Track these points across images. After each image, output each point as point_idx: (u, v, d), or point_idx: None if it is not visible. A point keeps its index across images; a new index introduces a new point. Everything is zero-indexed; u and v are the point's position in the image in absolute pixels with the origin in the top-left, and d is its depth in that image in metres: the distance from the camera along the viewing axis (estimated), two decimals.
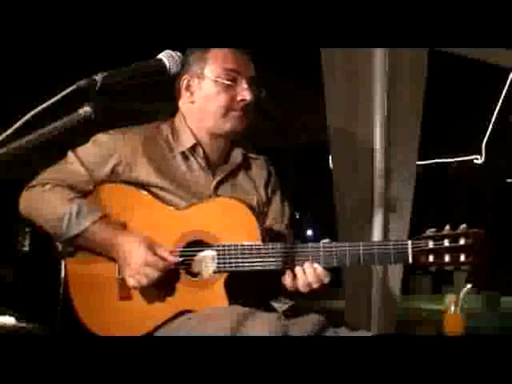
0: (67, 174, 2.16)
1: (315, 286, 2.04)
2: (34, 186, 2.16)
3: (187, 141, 2.21)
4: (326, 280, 2.04)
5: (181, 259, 2.08)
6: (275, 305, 2.17)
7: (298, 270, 2.04)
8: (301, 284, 2.04)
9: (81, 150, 2.19)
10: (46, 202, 2.12)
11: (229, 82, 2.16)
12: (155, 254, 2.05)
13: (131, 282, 2.06)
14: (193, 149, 2.21)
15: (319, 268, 2.03)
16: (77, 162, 2.16)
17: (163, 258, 2.06)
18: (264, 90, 2.22)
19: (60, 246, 2.15)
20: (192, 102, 2.22)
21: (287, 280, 2.06)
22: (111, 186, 2.17)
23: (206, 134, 2.23)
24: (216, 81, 2.17)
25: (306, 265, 2.03)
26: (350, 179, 3.32)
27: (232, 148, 2.27)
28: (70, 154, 2.19)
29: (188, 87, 2.22)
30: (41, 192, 2.13)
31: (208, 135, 2.23)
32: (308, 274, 2.03)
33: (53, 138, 1.46)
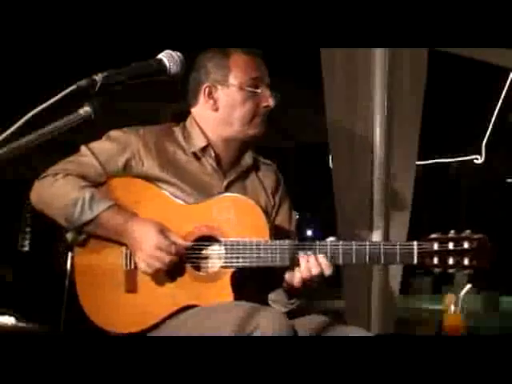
0: (80, 165, 2.17)
1: (315, 272, 2.04)
2: (45, 177, 2.17)
3: (199, 142, 2.23)
4: (328, 271, 2.05)
5: (190, 244, 2.10)
6: (275, 307, 2.17)
7: (301, 258, 2.05)
8: (303, 272, 2.05)
9: (94, 144, 2.21)
10: (58, 189, 2.13)
11: (254, 90, 2.20)
12: (167, 238, 2.07)
13: (143, 266, 2.08)
14: (204, 150, 2.23)
15: (322, 258, 2.05)
16: (90, 155, 2.18)
17: (175, 243, 2.07)
18: (279, 94, 2.26)
19: (70, 237, 2.16)
20: (216, 110, 2.23)
21: (290, 273, 2.08)
22: (121, 179, 2.18)
23: (220, 138, 2.24)
24: (241, 88, 2.19)
25: (309, 253, 2.05)
26: (350, 179, 3.32)
27: (243, 151, 2.29)
28: (83, 147, 2.21)
29: (210, 94, 2.23)
30: (53, 181, 2.14)
31: (222, 140, 2.25)
32: (310, 262, 2.05)
33: (53, 138, 1.46)
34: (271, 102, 2.23)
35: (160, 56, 1.66)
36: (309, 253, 2.05)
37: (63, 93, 1.47)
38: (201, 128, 2.25)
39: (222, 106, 2.22)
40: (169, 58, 1.65)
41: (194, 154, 2.23)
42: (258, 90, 2.21)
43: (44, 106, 1.45)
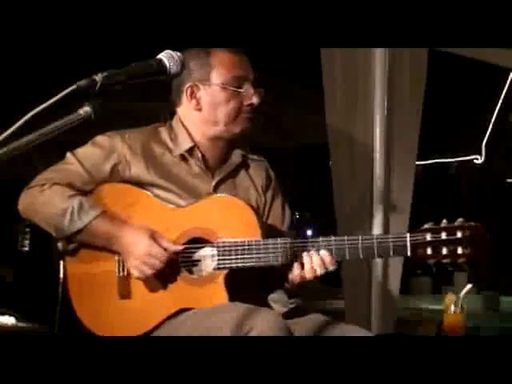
0: (66, 174, 2.15)
1: (319, 271, 2.03)
2: (31, 187, 2.15)
3: (185, 143, 2.20)
4: (332, 267, 2.04)
5: (182, 247, 2.08)
6: (275, 306, 2.17)
7: (305, 256, 2.04)
8: (307, 271, 2.03)
9: (80, 151, 2.19)
10: (45, 199, 2.11)
11: (237, 89, 2.16)
12: (158, 244, 2.07)
13: (135, 272, 2.07)
14: (190, 151, 2.20)
15: (325, 254, 2.03)
16: (76, 163, 2.16)
17: (165, 248, 2.07)
18: (263, 89, 2.21)
19: (61, 246, 2.15)
20: (199, 110, 2.20)
21: (294, 271, 2.05)
22: (111, 185, 2.17)
23: (206, 137, 2.22)
24: (224, 87, 2.16)
25: (312, 252, 2.03)
26: (350, 179, 3.32)
27: (231, 149, 2.26)
28: (68, 155, 2.18)
29: (193, 94, 2.19)
30: (39, 191, 2.13)
31: (208, 139, 2.22)
32: (314, 260, 2.03)
33: (53, 138, 1.46)
34: (255, 100, 2.18)
35: (160, 56, 1.66)
36: (311, 252, 2.04)
37: (63, 93, 1.46)
38: (186, 128, 2.22)
39: (205, 106, 2.19)
40: (169, 58, 1.65)
41: (181, 156, 2.21)
42: (241, 90, 2.17)
43: (44, 106, 1.45)
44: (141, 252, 2.06)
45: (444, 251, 2.00)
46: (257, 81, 2.21)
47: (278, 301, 2.18)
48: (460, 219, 2.02)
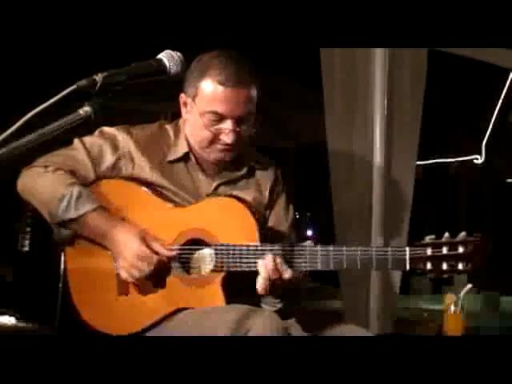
0: (70, 160, 2.15)
1: (275, 277, 1.99)
2: (34, 167, 2.15)
3: (181, 148, 2.21)
4: (287, 276, 1.99)
5: (176, 250, 2.08)
6: (264, 306, 2.15)
7: (261, 262, 2.01)
8: (263, 277, 2.00)
9: (87, 139, 2.19)
10: (46, 181, 2.11)
11: (213, 124, 2.12)
12: (148, 247, 2.06)
13: (123, 274, 2.07)
14: (186, 156, 2.21)
15: (279, 261, 1.99)
16: (82, 149, 2.16)
17: (156, 252, 2.06)
18: (255, 128, 2.17)
19: (56, 234, 2.14)
20: (188, 119, 2.21)
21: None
22: (111, 181, 2.17)
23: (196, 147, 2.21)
24: (202, 115, 2.13)
25: (269, 258, 1.99)
26: (349, 180, 3.32)
27: (236, 158, 2.23)
28: (76, 141, 2.18)
29: (184, 105, 2.20)
30: (42, 172, 2.12)
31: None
32: (269, 267, 1.99)
33: (53, 138, 1.46)
34: (228, 140, 2.12)
35: (160, 56, 1.66)
36: (269, 258, 2.00)
37: (63, 93, 1.47)
38: (185, 132, 2.23)
39: (190, 119, 2.19)
40: (169, 58, 1.66)
41: (179, 159, 2.20)
42: (218, 126, 2.12)
43: (44, 105, 1.45)
44: (130, 254, 2.05)
45: (444, 266, 1.96)
46: (249, 115, 2.14)
47: (266, 302, 2.16)
48: (462, 233, 1.97)
